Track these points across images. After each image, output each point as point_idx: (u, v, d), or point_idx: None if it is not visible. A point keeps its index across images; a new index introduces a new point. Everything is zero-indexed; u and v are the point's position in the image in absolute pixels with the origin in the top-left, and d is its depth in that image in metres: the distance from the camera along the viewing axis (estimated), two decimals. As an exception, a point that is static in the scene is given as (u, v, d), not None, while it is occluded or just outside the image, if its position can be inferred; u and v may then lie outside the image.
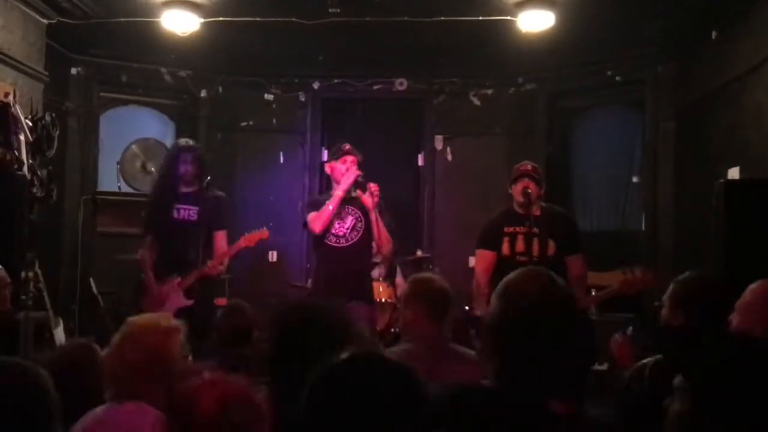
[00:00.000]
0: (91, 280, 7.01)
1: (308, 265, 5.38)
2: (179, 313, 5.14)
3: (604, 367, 5.57)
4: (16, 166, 5.13)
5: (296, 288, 6.56)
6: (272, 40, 6.98)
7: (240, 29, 6.46)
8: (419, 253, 7.21)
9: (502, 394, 1.93)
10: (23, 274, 5.03)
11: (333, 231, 5.08)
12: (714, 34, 5.87)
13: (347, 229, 5.07)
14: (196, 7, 6.14)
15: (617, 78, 7.25)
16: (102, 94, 7.58)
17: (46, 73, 6.08)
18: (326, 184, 7.51)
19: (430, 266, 7.01)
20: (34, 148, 5.52)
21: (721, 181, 4.64)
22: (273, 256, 7.75)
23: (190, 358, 2.66)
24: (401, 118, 8.35)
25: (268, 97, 8.12)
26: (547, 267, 4.57)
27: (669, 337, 2.44)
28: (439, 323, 3.29)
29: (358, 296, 4.88)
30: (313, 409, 1.46)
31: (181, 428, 1.87)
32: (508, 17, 6.12)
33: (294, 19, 6.20)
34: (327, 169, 5.30)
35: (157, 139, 7.77)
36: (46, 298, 5.53)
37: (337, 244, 5.07)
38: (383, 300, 6.15)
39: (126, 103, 7.86)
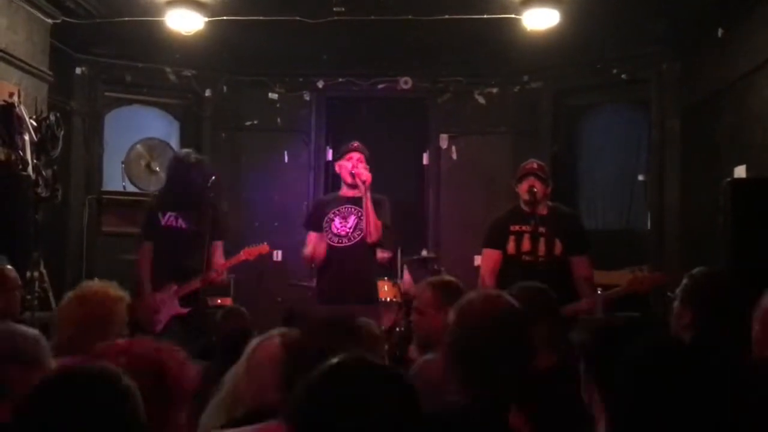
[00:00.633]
0: (96, 279, 7.00)
1: (312, 264, 5.36)
2: (174, 317, 5.17)
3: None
4: (20, 167, 5.14)
5: (301, 287, 6.54)
6: (276, 39, 6.97)
7: (244, 28, 6.45)
8: (425, 252, 7.19)
9: (464, 409, 1.96)
10: (29, 274, 5.04)
11: (335, 231, 5.07)
12: (719, 32, 5.85)
13: (350, 228, 5.06)
14: (201, 6, 6.13)
15: (623, 76, 7.22)
16: (106, 93, 7.58)
17: (51, 73, 6.08)
18: (331, 182, 7.54)
19: (436, 266, 6.99)
20: (38, 148, 5.52)
21: (728, 180, 4.62)
22: (278, 255, 7.73)
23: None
24: (406, 116, 8.33)
25: (273, 96, 8.11)
26: (554, 266, 4.62)
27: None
28: None
29: (361, 296, 4.88)
30: (304, 415, 1.44)
31: None
32: (513, 15, 6.10)
33: (298, 18, 6.19)
34: (336, 168, 5.28)
35: (161, 138, 7.77)
36: (52, 298, 5.52)
37: (339, 244, 5.06)
38: (388, 299, 6.13)
39: (130, 102, 7.86)
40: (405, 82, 7.97)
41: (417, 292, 3.40)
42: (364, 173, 5.03)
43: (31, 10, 5.77)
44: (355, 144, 5.19)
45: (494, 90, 7.96)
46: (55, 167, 5.74)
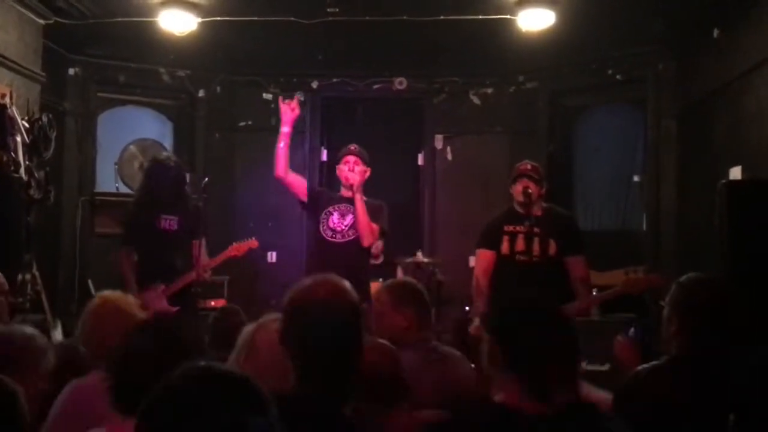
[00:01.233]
0: (90, 281, 6.99)
1: (311, 244, 5.35)
2: None
3: (606, 367, 5.55)
4: (12, 168, 5.10)
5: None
6: (271, 40, 6.95)
7: (238, 29, 6.43)
8: (419, 254, 7.17)
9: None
10: (21, 276, 5.01)
11: (330, 225, 5.06)
12: (716, 32, 5.83)
13: (346, 225, 5.05)
14: (194, 7, 6.10)
15: (618, 76, 7.21)
16: (99, 94, 7.54)
17: (43, 73, 6.04)
18: (326, 183, 7.52)
19: (431, 267, 6.97)
20: (31, 150, 5.49)
21: (723, 181, 4.60)
22: (272, 257, 7.72)
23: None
24: (401, 117, 8.31)
25: (267, 96, 8.08)
26: (548, 267, 4.61)
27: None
28: (427, 329, 3.27)
29: None
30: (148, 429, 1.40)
31: None
32: (508, 16, 6.09)
33: (292, 18, 6.16)
34: (337, 171, 5.27)
35: (155, 139, 7.74)
36: (45, 300, 5.50)
37: (332, 239, 5.04)
38: (383, 300, 6.10)
39: (124, 103, 7.83)
40: (400, 83, 7.95)
41: (375, 297, 3.42)
42: (351, 176, 5.03)
43: (23, 10, 5.73)
44: (351, 147, 5.19)
45: (490, 90, 7.94)
46: (48, 169, 5.71)
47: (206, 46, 6.94)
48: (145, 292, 5.20)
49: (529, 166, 4.77)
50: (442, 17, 6.07)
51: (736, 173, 5.33)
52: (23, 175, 5.22)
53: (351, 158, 5.11)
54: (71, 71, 7.25)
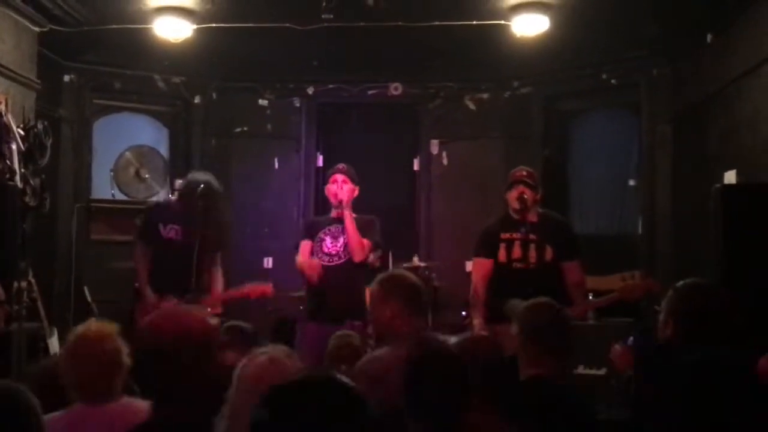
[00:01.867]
0: (86, 288, 6.98)
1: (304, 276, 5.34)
2: None
3: (602, 372, 5.56)
4: (8, 176, 5.09)
5: (292, 299, 6.50)
6: (266, 46, 6.95)
7: (233, 35, 6.43)
8: (416, 259, 7.17)
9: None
10: (17, 284, 4.99)
11: (325, 250, 5.14)
12: (709, 38, 5.85)
13: (340, 247, 5.12)
14: (189, 14, 6.11)
15: (613, 81, 7.23)
16: (95, 101, 7.54)
17: (39, 81, 6.04)
18: (322, 189, 7.51)
19: (427, 272, 6.98)
20: (26, 157, 5.48)
21: (718, 185, 4.62)
22: (268, 262, 7.71)
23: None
24: (396, 122, 8.32)
25: (263, 102, 8.09)
26: (545, 273, 4.62)
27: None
28: (418, 319, 3.23)
29: (351, 313, 4.89)
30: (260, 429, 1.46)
31: None
32: (503, 21, 6.10)
33: (288, 25, 6.17)
34: (326, 191, 5.30)
35: (151, 146, 7.74)
36: (41, 308, 5.49)
37: (329, 263, 5.11)
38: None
39: (119, 110, 7.82)
40: (395, 88, 7.96)
41: (371, 289, 3.42)
42: (340, 193, 5.10)
43: (18, 18, 5.73)
44: (339, 166, 5.26)
45: (485, 95, 7.95)
46: (43, 176, 5.71)
47: (201, 53, 6.95)
48: (159, 302, 5.14)
49: (524, 173, 4.77)
50: (436, 23, 6.09)
51: (730, 177, 5.34)
52: (18, 183, 5.21)
53: (339, 177, 5.18)
54: (67, 78, 7.25)
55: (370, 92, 8.05)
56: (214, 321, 2.58)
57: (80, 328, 2.72)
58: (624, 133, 7.42)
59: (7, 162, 5.14)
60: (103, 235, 7.31)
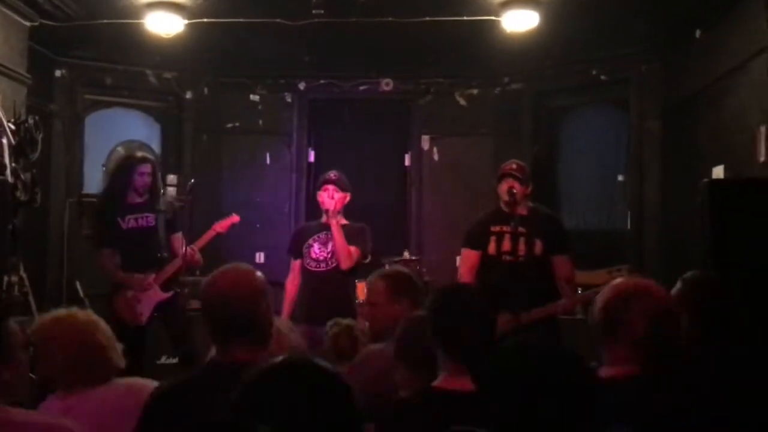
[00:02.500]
0: (78, 283, 6.97)
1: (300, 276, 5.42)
2: (156, 315, 5.24)
3: (594, 365, 5.58)
4: (-2, 170, 5.09)
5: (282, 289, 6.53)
6: (257, 41, 6.96)
7: (225, 30, 6.43)
8: (406, 253, 7.20)
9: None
10: (7, 278, 5.00)
11: (313, 256, 5.20)
12: (698, 33, 5.89)
13: (328, 254, 5.16)
14: (180, 9, 6.10)
15: (602, 77, 7.26)
16: (86, 96, 7.53)
17: (29, 75, 6.03)
18: (313, 184, 7.53)
19: (418, 267, 7.00)
20: (17, 152, 5.47)
21: (706, 180, 4.65)
22: (260, 257, 7.73)
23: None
24: (387, 118, 8.35)
25: (254, 98, 8.10)
26: (534, 266, 4.63)
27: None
28: None
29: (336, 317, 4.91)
30: (241, 411, 1.46)
31: None
32: (493, 17, 6.12)
33: (279, 20, 6.18)
34: (318, 198, 5.35)
35: (142, 141, 7.74)
36: (32, 302, 5.49)
37: (317, 269, 5.17)
38: (370, 301, 6.12)
39: (111, 105, 7.81)
40: (386, 84, 7.98)
41: (368, 286, 3.41)
42: (327, 202, 5.17)
43: (8, 12, 5.72)
44: (330, 176, 5.29)
45: (475, 91, 7.98)
46: (35, 170, 5.69)
47: (193, 48, 6.95)
48: (134, 279, 5.29)
49: (514, 166, 4.79)
50: (427, 18, 6.10)
51: (718, 173, 5.38)
52: (8, 177, 5.20)
53: (330, 187, 5.24)
54: (58, 73, 7.24)
55: (361, 88, 8.07)
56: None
57: (48, 316, 2.70)
58: (613, 128, 7.46)
59: (-2, 157, 5.13)
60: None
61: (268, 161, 8.12)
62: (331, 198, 5.18)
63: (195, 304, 5.89)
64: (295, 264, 5.30)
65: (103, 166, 7.49)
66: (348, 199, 5.25)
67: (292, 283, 5.27)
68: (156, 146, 7.87)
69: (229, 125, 8.15)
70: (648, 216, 6.90)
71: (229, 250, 7.02)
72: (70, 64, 7.29)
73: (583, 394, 1.65)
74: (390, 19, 6.15)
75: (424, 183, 8.09)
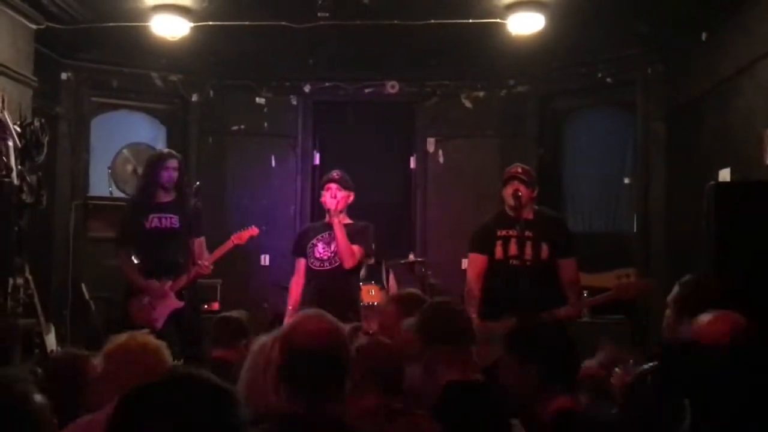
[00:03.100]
0: (83, 285, 6.99)
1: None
2: (170, 321, 5.25)
3: (597, 369, 5.57)
4: (4, 173, 5.11)
5: (287, 292, 6.53)
6: (263, 44, 6.97)
7: (230, 33, 6.44)
8: (411, 256, 7.20)
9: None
10: (11, 280, 5.01)
11: (317, 255, 5.21)
12: (704, 36, 5.88)
13: (332, 253, 5.16)
14: (186, 12, 6.11)
15: (608, 79, 7.25)
16: (93, 98, 7.55)
17: (35, 78, 6.05)
18: (318, 186, 7.54)
19: (423, 269, 7.00)
20: (23, 154, 5.50)
21: (712, 183, 4.63)
22: (265, 259, 7.74)
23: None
24: (393, 120, 8.34)
25: (260, 100, 8.11)
26: (541, 270, 4.62)
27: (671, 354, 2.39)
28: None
29: (342, 317, 4.90)
30: (118, 428, 1.41)
31: None
32: (498, 20, 6.12)
33: (284, 23, 6.18)
34: (321, 198, 5.37)
35: (148, 143, 7.75)
36: (37, 305, 5.51)
37: (321, 268, 5.18)
38: (375, 303, 6.13)
39: (117, 107, 7.84)
40: (392, 86, 7.98)
41: (382, 308, 3.37)
42: (329, 201, 5.17)
43: (15, 15, 5.74)
44: (333, 175, 5.30)
45: (481, 94, 7.98)
46: (40, 173, 5.72)
47: (199, 51, 6.96)
48: (152, 286, 5.30)
49: (519, 169, 4.77)
50: (432, 21, 6.10)
51: (725, 175, 5.36)
52: (15, 180, 5.22)
53: (333, 186, 5.24)
54: (64, 76, 7.26)
55: (366, 90, 8.07)
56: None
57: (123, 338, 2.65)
58: (618, 131, 7.45)
59: (4, 159, 5.16)
60: (101, 233, 7.29)
61: (273, 164, 8.13)
62: (333, 197, 5.19)
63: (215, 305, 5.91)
64: (300, 264, 5.30)
65: (109, 168, 7.51)
66: (351, 198, 5.25)
67: (296, 284, 5.27)
68: (161, 148, 7.88)
69: (235, 128, 8.16)
70: (654, 218, 6.89)
71: (236, 252, 7.04)
72: (76, 66, 7.31)
73: None
74: (395, 21, 6.15)
75: (429, 185, 8.08)
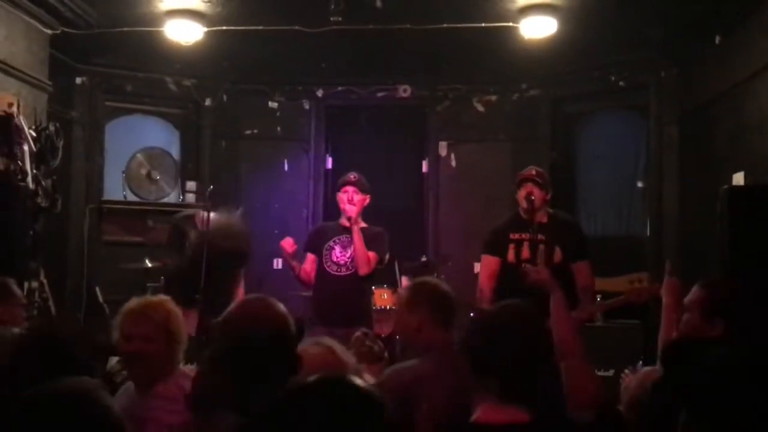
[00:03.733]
0: (97, 289, 7.03)
1: (316, 276, 5.43)
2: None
3: (610, 373, 5.56)
4: (19, 177, 5.14)
5: (299, 297, 6.54)
6: (276, 49, 6.99)
7: (243, 38, 6.47)
8: (424, 260, 7.20)
9: None
10: (28, 284, 5.05)
11: (334, 259, 5.18)
12: (717, 39, 5.85)
13: (348, 258, 5.14)
14: (200, 17, 6.15)
15: (620, 83, 7.24)
16: (107, 103, 7.60)
17: (50, 83, 6.09)
18: (330, 191, 7.56)
19: (435, 273, 6.99)
20: (38, 159, 5.54)
21: (726, 187, 4.62)
22: (278, 263, 7.74)
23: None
24: (405, 124, 8.35)
25: (272, 105, 8.14)
26: (554, 274, 4.61)
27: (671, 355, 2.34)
28: (446, 331, 3.08)
29: (356, 322, 4.92)
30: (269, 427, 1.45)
31: None
32: (511, 24, 6.12)
33: (297, 28, 6.20)
34: (337, 199, 5.36)
35: (162, 147, 7.80)
36: (52, 308, 5.54)
37: (337, 273, 5.16)
38: (387, 307, 6.14)
39: (131, 112, 7.88)
40: (404, 90, 7.98)
41: (398, 296, 3.39)
42: (350, 209, 5.15)
43: (30, 20, 5.79)
44: (350, 177, 5.29)
45: (493, 98, 7.98)
46: (55, 177, 5.76)
47: (212, 56, 6.99)
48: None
49: (533, 171, 4.75)
50: (445, 25, 6.10)
51: (738, 179, 5.34)
52: (30, 184, 5.26)
53: (350, 188, 5.22)
54: (78, 80, 7.31)
55: (378, 94, 8.09)
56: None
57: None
58: (631, 134, 7.43)
59: (19, 163, 5.19)
60: (115, 236, 7.36)
61: (286, 168, 8.15)
62: (350, 200, 5.17)
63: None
64: (310, 258, 5.30)
65: (123, 172, 7.56)
66: (368, 201, 5.24)
67: (310, 274, 5.27)
68: (175, 153, 7.93)
69: (248, 132, 8.19)
70: (667, 222, 6.86)
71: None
72: (90, 71, 7.36)
73: None
74: (408, 26, 6.16)
75: (442, 189, 8.08)
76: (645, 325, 6.26)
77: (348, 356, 2.58)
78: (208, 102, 7.98)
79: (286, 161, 8.15)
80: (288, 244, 5.21)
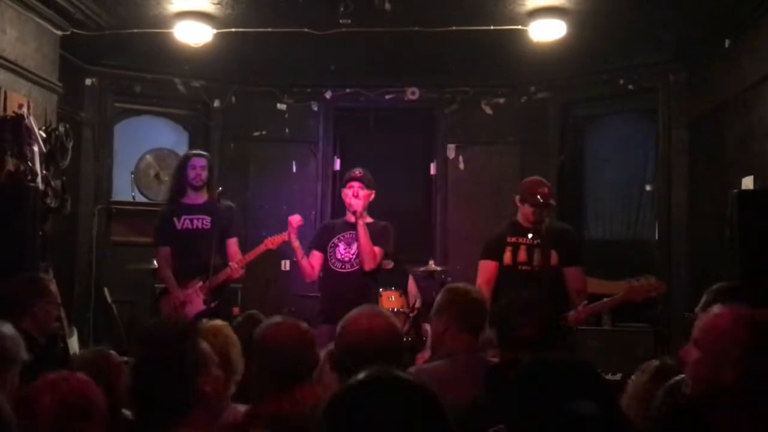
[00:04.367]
0: (106, 289, 7.06)
1: (322, 274, 5.46)
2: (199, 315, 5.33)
3: (618, 377, 5.55)
4: (29, 178, 5.16)
5: (307, 297, 6.56)
6: (284, 51, 7.00)
7: (252, 40, 6.48)
8: (432, 263, 7.18)
9: None
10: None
11: (339, 256, 5.22)
12: (727, 43, 5.84)
13: (353, 254, 5.18)
14: (209, 19, 6.16)
15: (629, 86, 7.23)
16: (116, 104, 7.63)
17: (60, 84, 6.12)
18: (338, 192, 7.56)
19: (443, 276, 6.99)
20: (48, 159, 5.56)
21: (735, 191, 4.61)
22: (286, 265, 7.75)
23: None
24: (413, 127, 8.36)
25: (281, 106, 8.15)
26: (549, 276, 4.65)
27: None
28: (470, 336, 3.14)
29: None
30: (331, 428, 1.46)
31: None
32: (520, 26, 6.11)
33: (306, 30, 6.21)
34: (342, 195, 5.40)
35: (171, 149, 7.82)
36: (61, 308, 5.55)
37: (342, 270, 5.20)
38: (395, 309, 6.12)
39: (140, 113, 7.91)
40: (412, 93, 7.98)
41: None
42: (355, 203, 5.19)
43: (41, 22, 5.81)
44: (355, 173, 5.34)
45: (501, 100, 7.97)
46: (65, 178, 5.78)
47: (221, 57, 7.01)
48: (184, 290, 5.39)
49: (546, 190, 4.78)
50: (453, 28, 6.10)
51: (748, 183, 5.32)
52: (40, 184, 5.28)
53: (355, 184, 5.27)
54: (88, 81, 7.34)
55: (387, 97, 8.09)
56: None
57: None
58: (640, 138, 7.41)
59: (29, 164, 5.21)
60: (124, 237, 7.39)
61: (294, 169, 8.17)
62: (356, 195, 5.22)
63: (235, 310, 5.96)
64: (315, 256, 5.35)
65: (132, 173, 7.58)
66: (373, 196, 5.29)
67: (315, 269, 5.31)
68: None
69: (256, 133, 8.21)
70: (676, 226, 6.84)
71: (256, 258, 7.08)
72: (100, 72, 7.39)
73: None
74: (416, 28, 6.16)
75: (450, 192, 8.08)
76: (654, 330, 6.26)
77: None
78: (216, 103, 8.00)
79: (294, 163, 8.17)
80: (295, 219, 5.33)
